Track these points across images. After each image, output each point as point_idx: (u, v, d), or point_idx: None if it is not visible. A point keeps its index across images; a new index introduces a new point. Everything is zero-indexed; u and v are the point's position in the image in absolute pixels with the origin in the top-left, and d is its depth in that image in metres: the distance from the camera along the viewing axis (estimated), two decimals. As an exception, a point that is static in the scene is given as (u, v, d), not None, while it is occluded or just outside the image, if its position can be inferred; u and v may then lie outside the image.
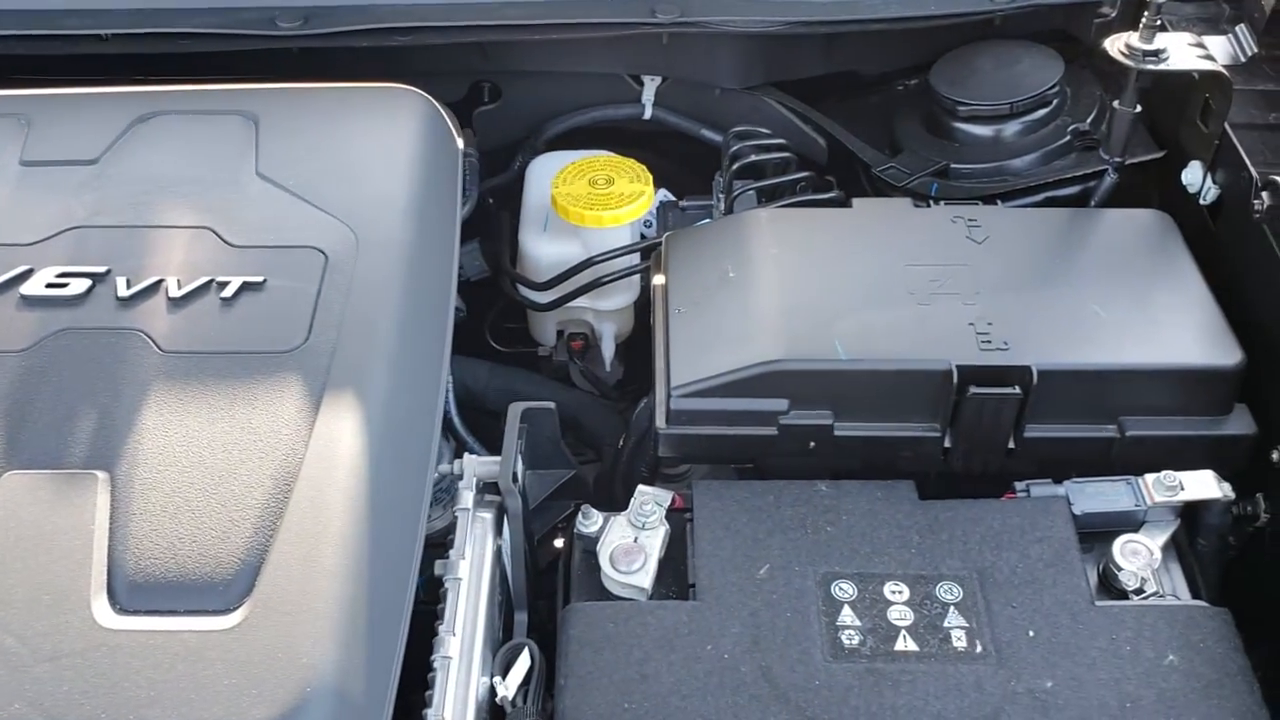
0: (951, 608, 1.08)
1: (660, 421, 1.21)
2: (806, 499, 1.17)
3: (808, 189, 1.57)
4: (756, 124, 1.63)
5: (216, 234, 1.17)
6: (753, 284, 1.27)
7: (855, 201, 1.41)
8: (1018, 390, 1.18)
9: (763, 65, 1.67)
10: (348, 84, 1.40)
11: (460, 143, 1.40)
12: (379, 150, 1.30)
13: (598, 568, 1.15)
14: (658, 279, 1.36)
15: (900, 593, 1.09)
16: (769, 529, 1.14)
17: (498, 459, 1.18)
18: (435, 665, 1.02)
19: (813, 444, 1.21)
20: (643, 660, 1.05)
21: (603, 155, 1.59)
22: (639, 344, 1.68)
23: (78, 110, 1.36)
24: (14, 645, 0.88)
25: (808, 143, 1.67)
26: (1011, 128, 1.54)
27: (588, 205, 1.49)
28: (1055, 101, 1.55)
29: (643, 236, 1.61)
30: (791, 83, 1.71)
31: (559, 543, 1.30)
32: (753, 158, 1.55)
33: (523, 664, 1.08)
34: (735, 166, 1.56)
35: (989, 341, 1.20)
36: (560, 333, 1.65)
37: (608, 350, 1.63)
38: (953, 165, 1.52)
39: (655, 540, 1.15)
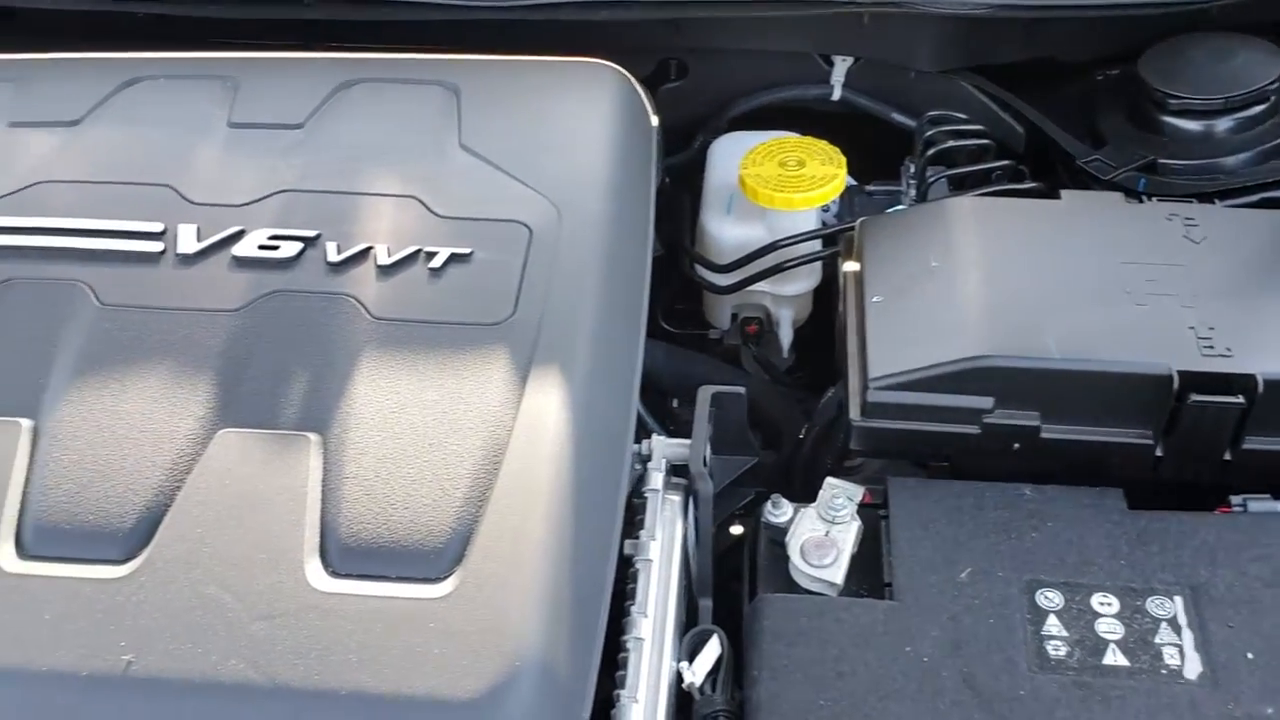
0: (1164, 623, 1.03)
1: (855, 413, 1.18)
2: (1010, 502, 1.13)
3: (1003, 178, 1.52)
4: (951, 109, 1.58)
5: (423, 204, 1.18)
6: (957, 275, 1.23)
7: (1064, 193, 1.36)
8: (1241, 400, 1.12)
9: (961, 48, 1.62)
10: (545, 57, 1.40)
11: (655, 120, 1.38)
12: (579, 125, 1.30)
13: (785, 558, 1.13)
14: (850, 265, 1.32)
15: (1109, 605, 1.04)
16: (970, 531, 1.11)
17: (684, 441, 1.16)
18: (627, 646, 1.01)
19: (1016, 445, 1.17)
20: (838, 657, 1.02)
21: (792, 136, 1.55)
22: (814, 331, 1.65)
23: (283, 74, 1.38)
24: (230, 601, 0.89)
25: (1005, 130, 1.61)
26: (1224, 124, 1.47)
27: (777, 187, 1.46)
28: (1273, 98, 1.47)
29: (824, 222, 1.57)
30: (987, 68, 1.66)
31: (735, 529, 1.29)
32: (950, 144, 1.50)
33: (711, 651, 1.06)
34: (930, 152, 1.51)
35: (1211, 347, 1.14)
36: (735, 316, 1.63)
37: (785, 336, 1.60)
38: (1160, 160, 1.45)
39: (848, 535, 1.12)
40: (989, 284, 1.22)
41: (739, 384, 1.26)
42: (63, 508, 0.95)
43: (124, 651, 0.87)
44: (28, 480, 0.97)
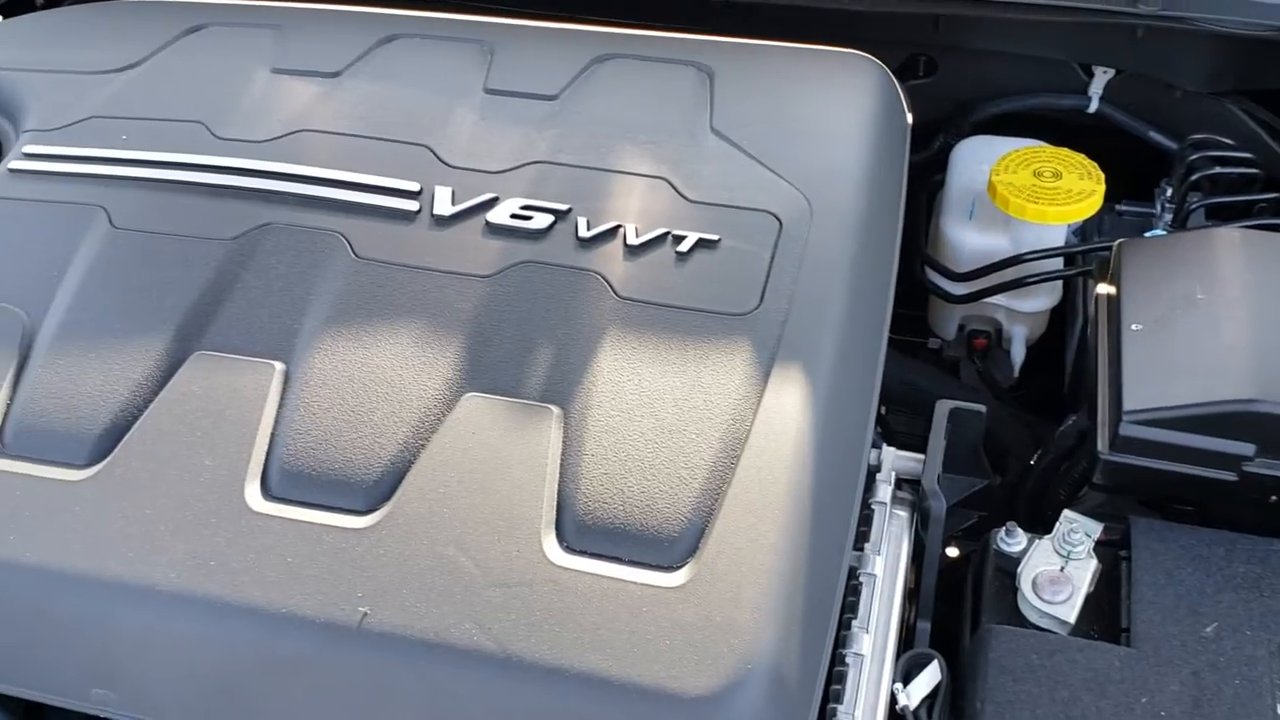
0: None
1: (1103, 446, 1.12)
2: (1263, 557, 1.06)
3: (1267, 211, 1.43)
4: (1217, 133, 1.49)
5: (672, 186, 1.16)
6: (1224, 310, 1.15)
7: (1345, 233, 1.26)
8: None
9: (1236, 70, 1.52)
10: (800, 44, 1.37)
11: (909, 117, 1.34)
12: (835, 117, 1.26)
13: (1013, 589, 1.08)
14: (1105, 288, 1.25)
15: (1370, 680, 0.97)
16: (1218, 584, 1.04)
17: (916, 455, 1.12)
18: (847, 661, 0.98)
19: (1275, 498, 1.09)
20: (1069, 700, 0.97)
21: (1047, 146, 1.49)
22: (1038, 350, 1.58)
23: (538, 44, 1.38)
24: (468, 565, 0.89)
25: (1274, 159, 1.51)
26: None
27: (1030, 197, 1.40)
28: None
29: (1068, 239, 1.50)
30: (1260, 92, 1.56)
31: (951, 551, 1.24)
32: (1216, 170, 1.41)
33: (930, 676, 1.02)
34: (1192, 178, 1.43)
35: None
36: (961, 327, 1.57)
37: (1017, 354, 1.54)
38: None
39: (1084, 573, 1.07)
40: (1258, 323, 1.14)
41: (959, 398, 1.21)
42: (309, 453, 0.97)
43: (360, 603, 0.88)
44: (277, 422, 0.99)
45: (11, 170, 1.22)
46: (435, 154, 1.20)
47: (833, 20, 1.50)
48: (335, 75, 1.32)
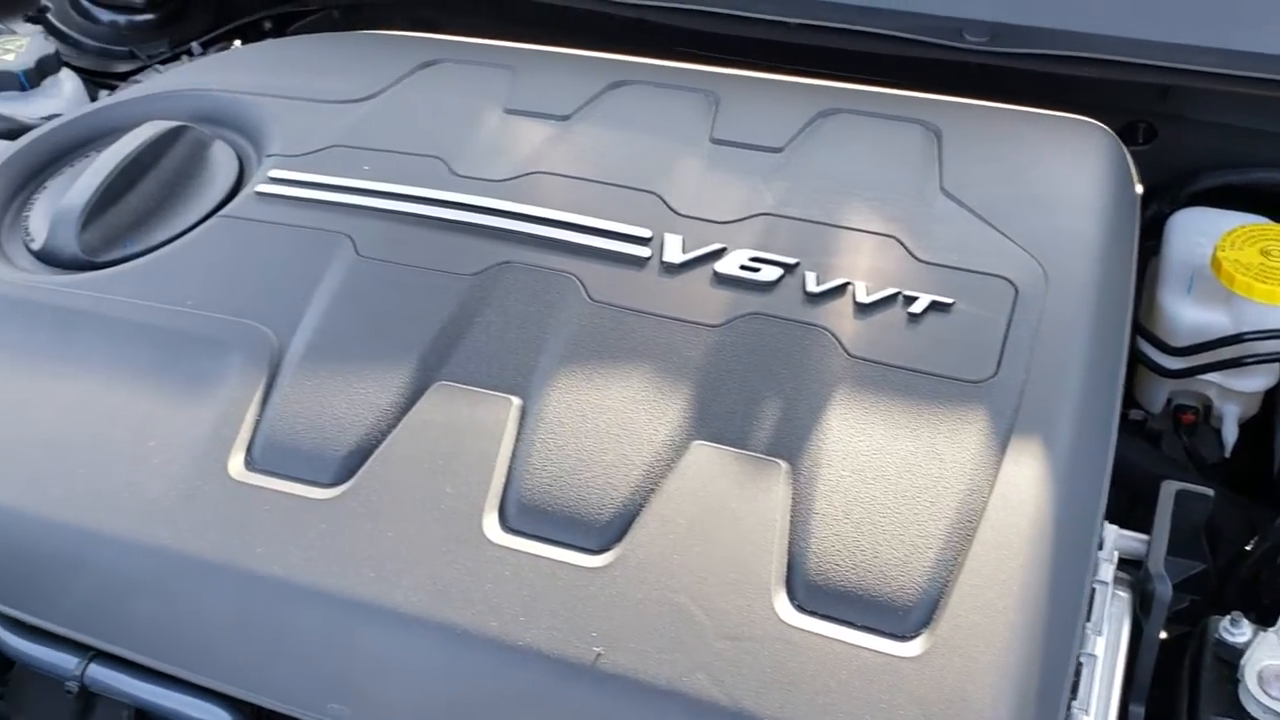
0: None
1: (1335, 541, 1.08)
2: None
3: None
4: None
5: (903, 245, 1.16)
6: None
7: None
8: None
9: None
10: (1029, 109, 1.36)
11: (1140, 188, 1.31)
12: (1067, 184, 1.25)
13: (1234, 681, 1.05)
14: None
15: None
16: None
17: (1140, 536, 1.10)
18: (1067, 744, 0.97)
19: None
20: (1299, 802, 0.94)
21: (1273, 224, 1.44)
22: (1254, 430, 1.53)
23: (764, 95, 1.40)
24: (699, 615, 0.91)
25: None
26: None
27: (1259, 276, 1.36)
28: None
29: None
30: None
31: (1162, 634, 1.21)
32: None
33: (1149, 764, 1.00)
34: None
35: None
36: (1169, 401, 1.53)
37: (1229, 433, 1.49)
38: None
39: (1315, 670, 1.03)
40: None
41: (1171, 476, 1.17)
42: (545, 489, 0.99)
43: (594, 642, 0.90)
44: (514, 456, 1.02)
45: (258, 193, 1.29)
46: (664, 201, 1.23)
47: (1054, 82, 1.48)
48: (565, 119, 1.36)
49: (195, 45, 1.83)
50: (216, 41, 1.89)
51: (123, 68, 1.89)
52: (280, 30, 1.96)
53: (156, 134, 1.34)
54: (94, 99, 1.81)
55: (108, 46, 1.91)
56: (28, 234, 1.32)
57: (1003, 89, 1.43)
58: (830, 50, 1.53)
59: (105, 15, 1.95)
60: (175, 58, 1.85)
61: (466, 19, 1.80)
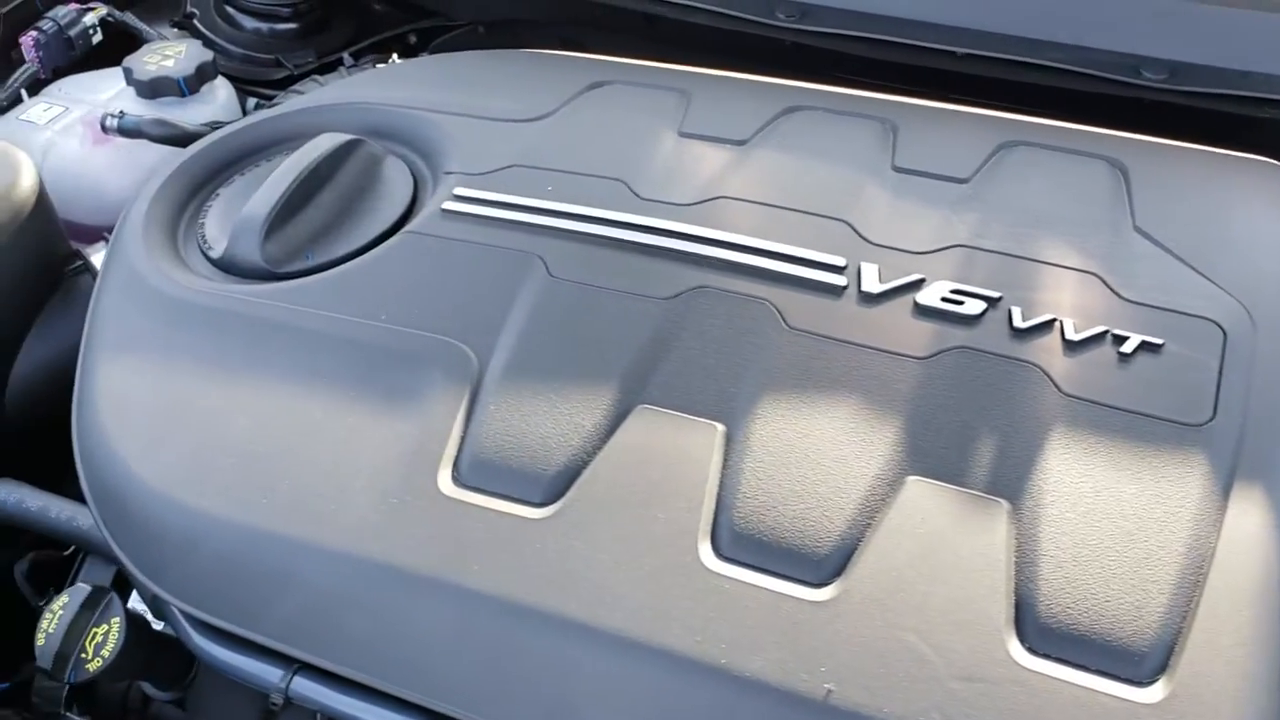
0: None
1: None
2: None
3: None
4: None
5: (1105, 283, 1.15)
6: None
7: None
8: None
9: None
10: (1211, 148, 1.34)
11: None
12: (1263, 226, 1.23)
13: None
14: None
15: None
16: None
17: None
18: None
19: None
20: None
21: None
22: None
23: (943, 125, 1.40)
24: (929, 654, 0.90)
25: None
26: None
27: None
28: None
29: None
30: None
31: None
32: None
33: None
34: None
35: None
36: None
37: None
38: None
39: None
40: None
41: None
42: (758, 517, 0.99)
43: (823, 677, 0.89)
44: (722, 484, 1.02)
45: (445, 210, 1.29)
46: (855, 229, 1.22)
47: (1228, 124, 1.47)
48: (742, 143, 1.36)
49: (346, 56, 1.85)
50: (364, 54, 1.91)
51: (272, 75, 1.91)
52: (424, 44, 1.98)
53: (333, 147, 1.35)
54: (242, 105, 1.83)
55: (253, 54, 1.94)
56: (204, 241, 1.34)
57: (1175, 127, 1.42)
58: (997, 81, 1.52)
59: (250, 23, 1.97)
60: (327, 68, 1.87)
61: (616, 39, 1.80)
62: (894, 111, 1.41)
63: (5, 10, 1.79)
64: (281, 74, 1.91)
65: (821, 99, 1.44)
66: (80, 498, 1.29)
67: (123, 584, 1.29)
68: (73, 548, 1.36)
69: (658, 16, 1.72)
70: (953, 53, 1.52)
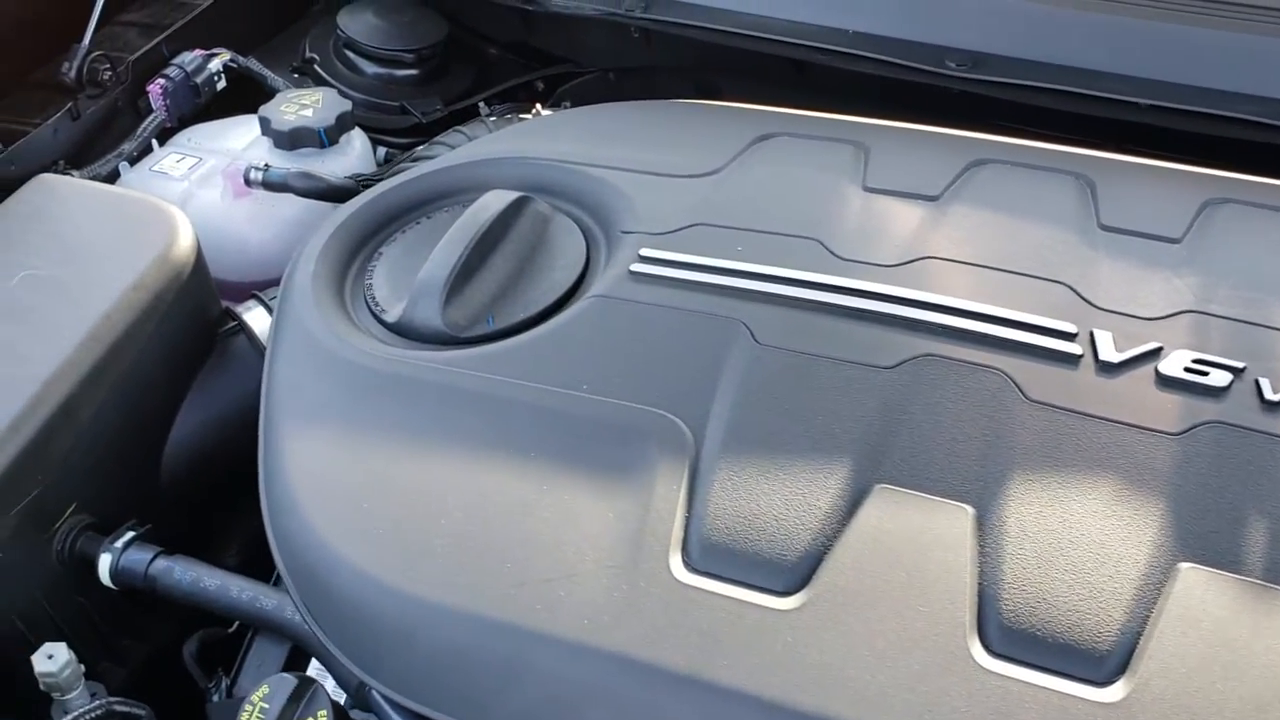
0: None
1: None
2: None
3: None
4: None
5: (1350, 352, 1.09)
6: None
7: None
8: None
9: None
10: None
11: None
12: None
13: None
14: None
15: None
16: None
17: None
18: None
19: None
20: None
21: None
22: None
23: (1138, 180, 1.34)
24: None
25: None
26: None
27: None
28: None
29: None
30: None
31: None
32: None
33: None
34: None
35: None
36: None
37: None
38: None
39: None
40: None
41: None
42: (1029, 611, 0.92)
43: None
44: (982, 573, 0.96)
45: (633, 272, 1.24)
46: (1077, 293, 1.16)
47: None
48: (935, 199, 1.30)
49: (483, 106, 1.80)
50: (492, 101, 1.86)
51: (398, 122, 1.86)
52: (550, 91, 1.93)
53: (504, 205, 1.30)
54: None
55: (377, 100, 1.89)
56: (376, 304, 1.28)
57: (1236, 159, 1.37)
58: (1181, 134, 1.46)
59: (371, 68, 1.93)
60: (459, 115, 1.83)
61: (756, 85, 1.75)
62: (1086, 165, 1.35)
63: (134, 58, 1.75)
64: (409, 122, 1.86)
65: (1005, 151, 1.39)
66: (232, 569, 1.24)
67: (295, 663, 1.23)
68: (236, 624, 1.30)
69: (808, 64, 1.67)
70: (1136, 104, 1.47)
